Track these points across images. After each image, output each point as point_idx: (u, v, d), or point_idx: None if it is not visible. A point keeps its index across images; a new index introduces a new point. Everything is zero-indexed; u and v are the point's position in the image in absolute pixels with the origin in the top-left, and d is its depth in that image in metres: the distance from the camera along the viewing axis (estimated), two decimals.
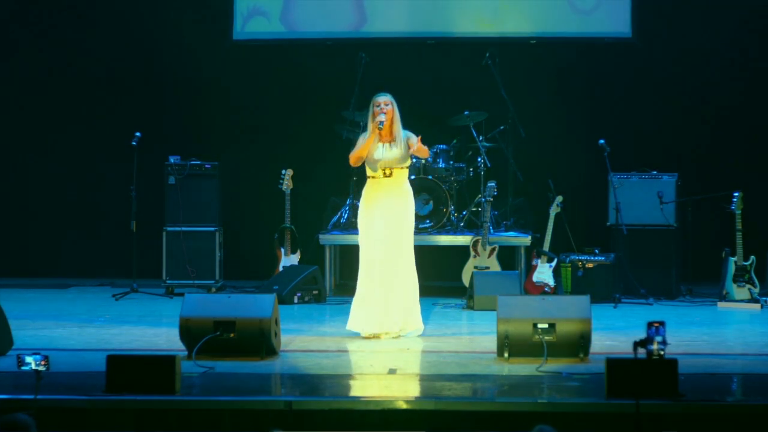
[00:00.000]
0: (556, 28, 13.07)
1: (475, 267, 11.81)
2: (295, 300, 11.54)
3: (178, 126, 13.25)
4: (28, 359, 6.62)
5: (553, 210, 11.82)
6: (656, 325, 6.08)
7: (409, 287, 9.49)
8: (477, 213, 12.38)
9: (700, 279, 12.06)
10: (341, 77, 12.79)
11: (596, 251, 11.75)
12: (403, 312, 9.44)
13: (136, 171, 11.90)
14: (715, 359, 8.56)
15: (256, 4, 13.27)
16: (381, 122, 9.43)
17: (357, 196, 10.91)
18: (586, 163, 12.70)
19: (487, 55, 12.47)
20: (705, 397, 6.98)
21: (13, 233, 13.56)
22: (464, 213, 12.49)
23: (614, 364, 6.93)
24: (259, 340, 8.32)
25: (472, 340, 9.60)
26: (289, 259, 12.14)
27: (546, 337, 8.24)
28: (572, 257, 11.71)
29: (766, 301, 11.33)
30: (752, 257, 11.43)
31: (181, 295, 10.76)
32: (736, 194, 11.48)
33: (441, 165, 12.42)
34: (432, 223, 12.29)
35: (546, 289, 11.65)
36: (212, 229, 12.28)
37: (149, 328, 9.96)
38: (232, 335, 8.33)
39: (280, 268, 12.05)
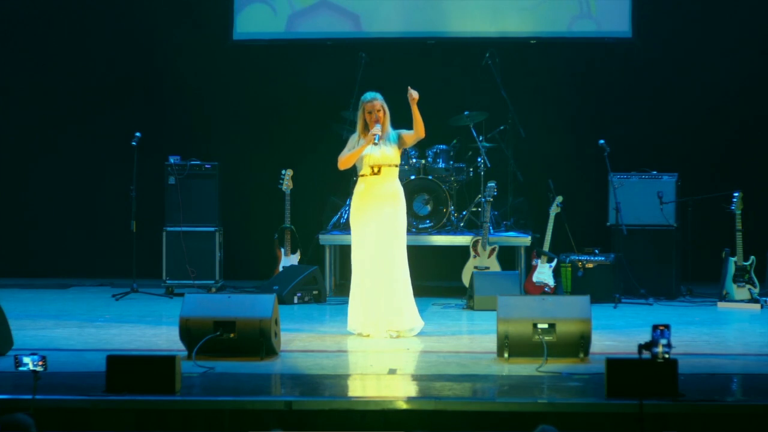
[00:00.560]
0: (556, 28, 13.06)
1: (475, 267, 11.80)
2: (295, 300, 11.53)
3: (178, 126, 13.25)
4: (26, 360, 6.61)
5: (553, 210, 11.81)
6: (661, 328, 6.03)
7: (401, 286, 9.41)
8: (477, 213, 12.37)
9: (700, 279, 12.06)
10: (341, 77, 12.78)
11: (596, 251, 11.75)
12: (396, 311, 9.39)
13: (136, 171, 11.90)
14: (715, 359, 8.55)
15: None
16: (377, 136, 9.32)
17: None
18: (586, 163, 12.70)
19: (487, 55, 12.47)
20: (705, 397, 6.97)
21: (14, 233, 13.56)
22: (464, 213, 12.49)
23: (614, 364, 6.93)
24: (259, 341, 8.32)
25: (472, 340, 9.60)
26: (289, 259, 12.14)
27: (546, 337, 8.23)
28: (572, 257, 11.71)
29: (766, 301, 11.32)
30: (752, 257, 11.42)
31: (181, 295, 10.76)
32: (736, 194, 11.47)
33: (441, 165, 12.42)
34: (432, 223, 12.29)
35: (546, 289, 11.65)
36: (212, 229, 12.28)
37: (149, 328, 9.96)
38: (232, 335, 8.32)
39: (280, 268, 12.05)
